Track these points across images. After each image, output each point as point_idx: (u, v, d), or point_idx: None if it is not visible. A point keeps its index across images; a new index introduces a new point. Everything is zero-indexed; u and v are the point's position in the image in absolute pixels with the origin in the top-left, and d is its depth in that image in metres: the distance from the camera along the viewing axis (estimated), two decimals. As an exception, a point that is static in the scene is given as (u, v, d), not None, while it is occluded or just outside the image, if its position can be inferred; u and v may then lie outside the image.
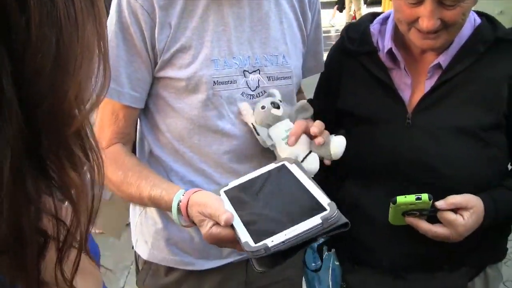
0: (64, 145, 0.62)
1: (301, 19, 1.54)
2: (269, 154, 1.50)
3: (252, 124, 1.38)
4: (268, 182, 1.31)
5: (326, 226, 1.08)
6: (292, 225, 1.09)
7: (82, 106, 0.63)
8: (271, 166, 1.35)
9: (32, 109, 0.57)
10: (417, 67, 1.51)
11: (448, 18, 1.35)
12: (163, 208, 1.38)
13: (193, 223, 1.29)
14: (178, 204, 1.29)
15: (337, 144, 1.41)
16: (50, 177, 0.62)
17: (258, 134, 1.38)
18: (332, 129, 1.60)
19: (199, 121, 1.42)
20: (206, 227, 1.21)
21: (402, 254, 1.54)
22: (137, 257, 1.66)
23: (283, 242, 1.07)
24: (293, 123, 1.42)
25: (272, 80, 1.48)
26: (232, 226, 1.18)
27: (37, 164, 0.60)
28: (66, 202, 0.64)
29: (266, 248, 1.07)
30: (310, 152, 1.40)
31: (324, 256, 1.77)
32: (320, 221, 1.08)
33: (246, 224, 1.16)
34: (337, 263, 1.74)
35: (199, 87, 1.39)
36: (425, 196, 1.36)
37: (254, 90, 1.46)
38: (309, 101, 1.62)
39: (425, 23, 1.35)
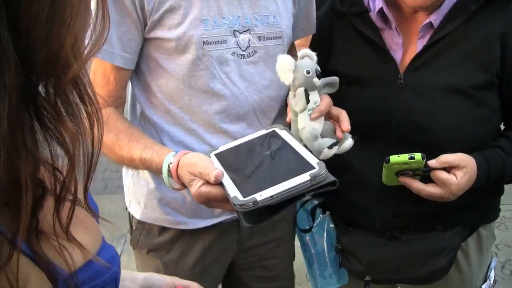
0: (61, 93, 0.62)
1: None
2: (260, 114, 1.52)
3: (304, 88, 1.33)
4: (259, 146, 1.33)
5: (314, 183, 1.11)
6: (281, 182, 1.11)
7: (79, 55, 0.62)
8: (262, 132, 1.37)
9: (29, 58, 0.58)
10: (409, 26, 1.50)
11: None
12: (153, 170, 1.39)
13: (183, 186, 1.30)
14: (169, 166, 1.30)
15: (347, 146, 1.39)
16: (46, 126, 0.62)
17: (308, 101, 1.33)
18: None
19: (189, 81, 1.43)
20: (196, 186, 1.22)
21: (395, 215, 1.56)
22: (130, 218, 1.68)
23: (271, 196, 1.09)
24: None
25: (263, 40, 1.48)
26: (221, 185, 1.19)
27: (34, 112, 0.61)
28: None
29: (255, 201, 1.09)
30: (336, 142, 1.36)
31: (318, 219, 1.78)
32: (308, 177, 1.10)
33: (236, 182, 1.18)
34: (331, 225, 1.75)
35: (188, 47, 1.39)
36: (418, 156, 1.36)
37: (244, 50, 1.46)
38: None
39: None
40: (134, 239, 1.66)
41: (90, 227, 0.76)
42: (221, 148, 1.36)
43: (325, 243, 1.78)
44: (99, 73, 1.44)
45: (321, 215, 1.78)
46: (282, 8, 1.50)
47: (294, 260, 1.87)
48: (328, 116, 1.40)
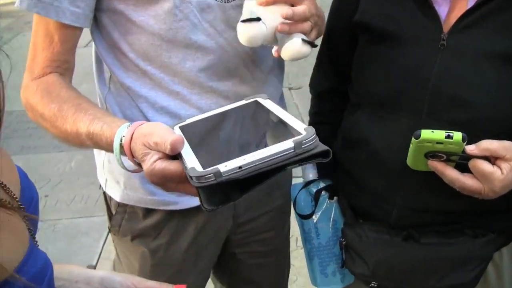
0: None
1: None
2: (252, 67, 1.29)
3: None
4: (235, 116, 1.06)
5: (299, 152, 0.83)
6: (255, 150, 0.83)
7: None
8: (241, 102, 1.09)
9: None
10: None
11: None
12: (104, 147, 1.10)
13: (139, 166, 1.01)
14: (121, 140, 1.01)
15: (290, 48, 1.12)
16: None
17: None
18: (349, 48, 1.33)
19: (167, 35, 1.21)
20: (149, 161, 0.93)
21: (415, 208, 1.28)
22: (108, 199, 1.46)
23: (239, 167, 0.81)
24: None
25: None
26: (180, 158, 0.91)
27: None
28: None
29: (217, 173, 0.80)
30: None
31: (324, 204, 1.50)
32: (291, 144, 0.83)
33: (198, 153, 0.90)
34: (339, 213, 1.48)
35: None
36: (457, 135, 1.07)
37: None
38: None
39: None
40: (114, 225, 1.44)
41: (13, 231, 0.63)
42: (188, 120, 1.08)
43: (330, 235, 1.50)
44: (40, 32, 1.21)
45: (327, 200, 1.50)
46: None
47: (289, 232, 1.74)
48: None
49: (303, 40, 1.09)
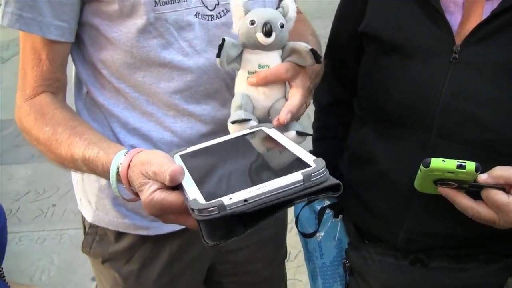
0: None
1: None
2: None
3: (223, 38, 1.03)
4: (239, 145, 1.00)
5: (308, 185, 0.76)
6: (261, 183, 0.77)
7: None
8: (245, 131, 1.02)
9: None
10: None
11: None
12: (99, 173, 1.04)
13: (137, 195, 0.95)
14: (118, 168, 0.96)
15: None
16: None
17: (218, 56, 1.03)
18: (355, 59, 1.25)
19: (139, 53, 1.14)
20: (147, 192, 0.87)
21: (424, 232, 1.20)
22: (83, 218, 1.40)
23: (245, 200, 0.75)
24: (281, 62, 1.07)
25: None
26: (181, 188, 0.85)
27: None
28: None
29: (221, 206, 0.74)
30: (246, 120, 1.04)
31: (329, 223, 1.43)
32: (300, 177, 0.76)
33: (199, 184, 0.84)
34: (344, 232, 1.40)
35: (136, 9, 1.10)
36: (471, 165, 0.99)
37: (212, 10, 1.16)
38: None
39: None
40: (86, 246, 1.38)
41: None
42: (190, 149, 1.02)
43: (334, 254, 1.43)
44: (27, 50, 1.14)
45: (332, 218, 1.43)
46: None
47: (286, 258, 1.65)
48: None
49: (297, 132, 1.03)
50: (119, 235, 1.33)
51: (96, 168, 1.02)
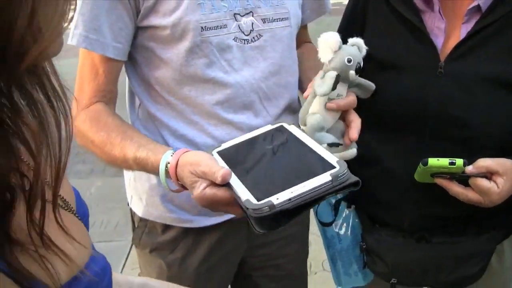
0: (17, 83, 0.54)
1: None
2: (267, 103, 1.42)
3: (337, 74, 1.22)
4: (267, 142, 1.22)
5: (335, 184, 0.99)
6: (299, 183, 1.00)
7: (39, 34, 0.52)
8: (268, 127, 1.26)
9: None
10: (453, 9, 1.38)
11: None
12: (149, 171, 1.28)
13: (182, 187, 1.19)
14: (166, 166, 1.19)
15: (348, 156, 1.27)
16: (5, 123, 0.54)
17: (335, 88, 1.22)
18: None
19: (187, 71, 1.35)
20: (199, 188, 1.10)
21: (424, 215, 1.46)
22: (132, 214, 1.61)
23: (289, 199, 0.97)
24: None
25: (268, 23, 1.39)
26: (228, 186, 1.08)
27: None
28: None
29: (271, 205, 0.97)
30: (338, 144, 1.25)
31: (343, 213, 1.67)
32: (329, 178, 0.99)
33: (245, 183, 1.07)
34: (357, 220, 1.65)
35: (185, 34, 1.31)
36: (459, 162, 1.26)
37: (248, 35, 1.37)
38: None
39: None
40: (136, 238, 1.59)
41: (78, 235, 0.68)
42: (224, 145, 1.24)
43: (350, 239, 1.67)
44: (86, 66, 1.36)
45: (346, 209, 1.67)
46: None
47: (307, 257, 1.80)
48: (343, 117, 1.29)
49: (329, 144, 1.23)
50: (166, 227, 1.51)
51: (146, 166, 1.25)
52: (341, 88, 1.24)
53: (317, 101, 1.25)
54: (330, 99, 1.24)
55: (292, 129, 1.21)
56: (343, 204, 1.68)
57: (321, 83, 1.22)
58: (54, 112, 0.57)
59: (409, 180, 1.38)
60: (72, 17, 0.57)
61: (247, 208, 0.99)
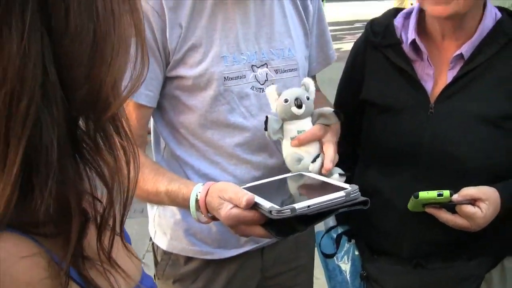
0: (101, 129, 0.67)
1: (302, 12, 1.62)
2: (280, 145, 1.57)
3: (266, 116, 1.43)
4: (289, 180, 1.40)
5: (348, 199, 1.17)
6: (316, 198, 1.17)
7: (117, 94, 0.67)
8: (289, 174, 1.44)
9: (71, 94, 0.62)
10: (440, 58, 1.58)
11: None
12: (179, 202, 1.41)
13: (210, 218, 1.34)
14: (197, 196, 1.33)
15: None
16: (85, 158, 0.67)
17: (266, 130, 1.43)
18: (355, 120, 1.65)
19: (211, 116, 1.50)
20: (226, 208, 1.24)
21: (422, 242, 1.61)
22: (155, 248, 1.73)
23: (308, 206, 1.15)
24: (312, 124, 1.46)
25: (280, 73, 1.56)
26: (253, 207, 1.23)
27: (74, 145, 0.65)
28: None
29: (293, 209, 1.13)
30: (318, 154, 1.42)
31: (344, 247, 1.81)
32: (343, 194, 1.17)
33: (268, 199, 1.22)
34: (357, 253, 1.78)
35: (210, 83, 1.47)
36: (446, 193, 1.42)
37: (263, 84, 1.53)
38: (336, 98, 1.73)
39: None
40: (159, 270, 1.70)
41: (130, 256, 0.80)
42: (250, 184, 1.41)
43: (351, 270, 1.81)
44: None
45: (346, 243, 1.81)
46: (296, 41, 1.59)
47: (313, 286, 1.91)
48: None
49: (339, 174, 1.41)
50: (188, 259, 1.63)
51: (176, 198, 1.40)
52: (300, 125, 1.43)
53: (283, 145, 1.46)
54: (292, 138, 1.42)
55: (310, 174, 1.38)
56: (344, 238, 1.82)
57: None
58: (124, 151, 0.70)
59: (406, 210, 1.54)
60: (144, 79, 0.72)
61: (271, 213, 1.15)
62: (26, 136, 0.58)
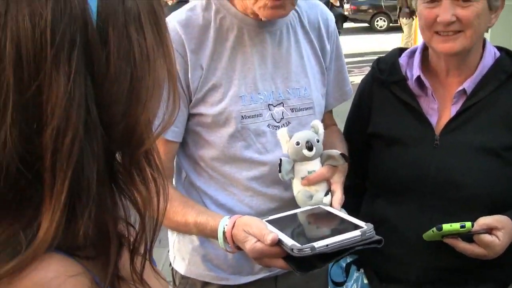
0: (135, 162, 0.75)
1: (319, 52, 1.72)
2: None
3: (280, 158, 1.52)
4: (307, 215, 1.50)
5: (364, 238, 1.28)
6: (335, 235, 1.28)
7: (151, 131, 0.74)
8: (308, 207, 1.53)
9: (110, 130, 0.69)
10: (444, 93, 1.67)
11: (462, 15, 1.52)
12: (208, 234, 1.52)
13: (237, 248, 1.43)
14: (224, 228, 1.43)
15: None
16: (121, 188, 0.74)
17: (280, 171, 1.51)
18: (362, 152, 1.73)
19: (228, 152, 1.59)
20: (251, 242, 1.35)
21: (430, 268, 1.67)
22: (174, 273, 1.81)
23: (327, 245, 1.25)
24: (321, 165, 1.55)
25: (295, 112, 1.64)
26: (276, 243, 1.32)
27: (111, 176, 0.72)
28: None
29: (312, 247, 1.23)
30: (329, 190, 1.53)
31: (353, 276, 1.86)
32: (359, 233, 1.28)
33: (290, 236, 1.33)
34: (366, 281, 1.83)
35: (229, 121, 1.56)
36: (468, 224, 1.48)
37: (279, 122, 1.62)
38: (346, 133, 1.81)
39: (441, 16, 1.53)
40: None
41: (158, 278, 0.87)
42: (271, 216, 1.49)
43: (359, 300, 1.85)
44: None
45: (355, 272, 1.86)
46: (312, 81, 1.68)
47: None
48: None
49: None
50: (205, 284, 1.71)
51: (205, 230, 1.50)
52: (310, 166, 1.53)
53: (294, 183, 1.56)
54: (302, 178, 1.53)
55: (328, 208, 1.48)
56: (353, 267, 1.87)
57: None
58: (155, 183, 0.77)
59: (415, 237, 1.61)
60: (176, 117, 0.79)
61: (292, 250, 1.24)
62: (71, 168, 0.65)
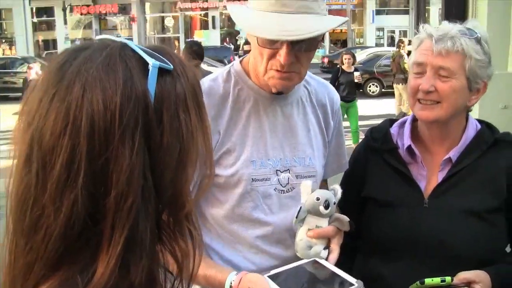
0: (178, 222, 0.88)
1: (324, 127, 1.89)
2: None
3: (300, 206, 1.66)
4: (304, 270, 1.63)
5: None
6: None
7: (190, 195, 0.87)
8: (305, 260, 1.67)
9: (160, 195, 0.80)
10: (432, 160, 1.85)
11: (440, 87, 1.71)
12: (215, 286, 1.63)
13: None
14: (231, 283, 1.56)
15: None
16: (164, 242, 0.87)
17: (296, 217, 1.65)
18: (356, 214, 1.90)
19: (237, 211, 1.73)
20: None
21: None
22: None
23: None
24: (327, 224, 1.69)
25: (300, 178, 1.78)
26: None
27: (158, 232, 0.84)
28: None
29: None
30: (327, 246, 1.68)
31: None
32: None
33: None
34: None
35: (240, 183, 1.70)
36: (448, 279, 1.64)
37: (284, 186, 1.77)
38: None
39: (422, 85, 1.72)
40: None
41: None
42: (273, 271, 1.62)
43: None
44: None
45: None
46: (316, 152, 1.84)
47: None
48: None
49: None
50: None
51: (213, 282, 1.62)
52: (321, 222, 1.67)
53: (300, 230, 1.68)
54: (309, 230, 1.66)
55: (323, 262, 1.63)
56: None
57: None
58: (192, 238, 0.88)
59: None
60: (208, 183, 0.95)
61: None
62: (128, 226, 0.77)
